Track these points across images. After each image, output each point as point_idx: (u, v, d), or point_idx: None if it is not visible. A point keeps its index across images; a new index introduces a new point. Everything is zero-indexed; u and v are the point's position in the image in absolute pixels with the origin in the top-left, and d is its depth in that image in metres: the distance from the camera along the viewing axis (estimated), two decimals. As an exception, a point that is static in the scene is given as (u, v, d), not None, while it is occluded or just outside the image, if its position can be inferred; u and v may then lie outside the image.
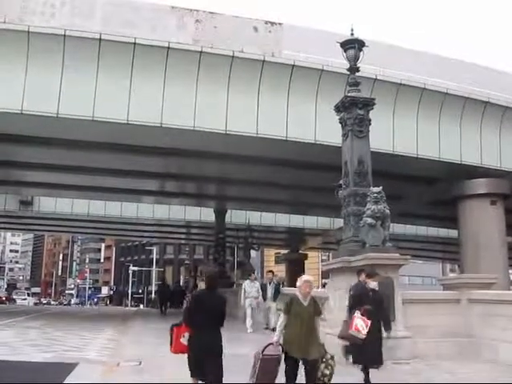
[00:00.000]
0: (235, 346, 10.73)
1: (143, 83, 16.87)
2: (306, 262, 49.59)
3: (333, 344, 10.91)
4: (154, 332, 15.78)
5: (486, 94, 20.42)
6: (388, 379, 8.31)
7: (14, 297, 66.02)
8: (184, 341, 6.49)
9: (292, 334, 6.64)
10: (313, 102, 18.31)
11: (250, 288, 17.20)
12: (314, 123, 18.30)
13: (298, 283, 6.91)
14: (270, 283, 17.53)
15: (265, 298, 16.96)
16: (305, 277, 7.04)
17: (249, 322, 16.55)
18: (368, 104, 12.50)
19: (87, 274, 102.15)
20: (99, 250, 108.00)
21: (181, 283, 51.44)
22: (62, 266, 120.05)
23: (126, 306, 65.81)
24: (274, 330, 15.24)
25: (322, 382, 6.65)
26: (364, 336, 7.63)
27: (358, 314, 7.82)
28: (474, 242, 21.01)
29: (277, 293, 16.84)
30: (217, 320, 6.40)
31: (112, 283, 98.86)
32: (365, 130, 12.31)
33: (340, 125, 12.80)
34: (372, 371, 7.90)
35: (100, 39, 16.04)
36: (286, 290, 17.62)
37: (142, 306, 58.44)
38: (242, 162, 21.15)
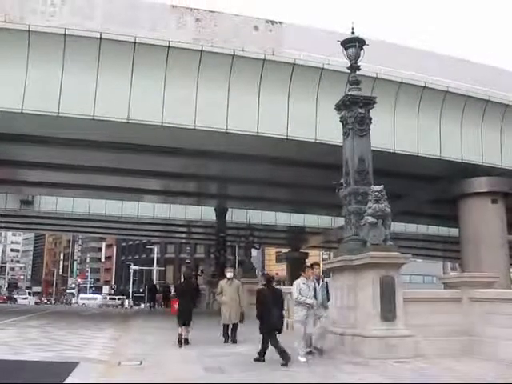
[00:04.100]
0: None
1: (143, 82, 16.86)
2: (306, 260, 49.51)
3: (333, 340, 10.95)
4: (154, 331, 15.76)
5: (487, 92, 20.42)
6: (389, 377, 8.29)
7: (15, 296, 66.21)
8: (176, 307, 13.60)
9: None
10: (313, 101, 18.30)
11: (307, 290, 10.44)
12: (315, 122, 18.28)
13: None
14: (318, 282, 10.92)
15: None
16: None
17: (302, 343, 10.10)
18: (369, 103, 12.46)
19: (88, 274, 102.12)
20: (100, 249, 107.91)
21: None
22: (63, 265, 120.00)
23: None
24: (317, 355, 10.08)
25: None
26: None
27: None
28: (475, 240, 21.01)
29: (327, 295, 11.11)
30: (190, 297, 12.73)
31: (113, 282, 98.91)
32: (366, 129, 12.27)
33: (341, 123, 12.77)
34: (372, 369, 7.80)
35: (100, 38, 16.05)
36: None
37: (142, 305, 58.38)
38: (242, 160, 21.13)
